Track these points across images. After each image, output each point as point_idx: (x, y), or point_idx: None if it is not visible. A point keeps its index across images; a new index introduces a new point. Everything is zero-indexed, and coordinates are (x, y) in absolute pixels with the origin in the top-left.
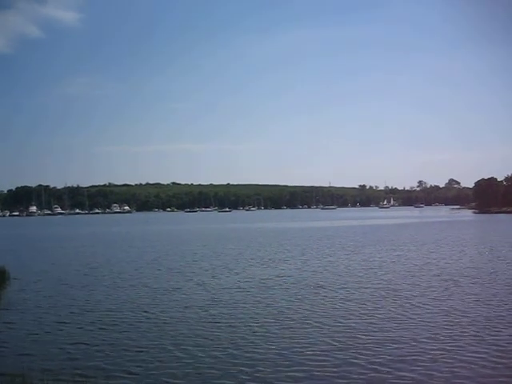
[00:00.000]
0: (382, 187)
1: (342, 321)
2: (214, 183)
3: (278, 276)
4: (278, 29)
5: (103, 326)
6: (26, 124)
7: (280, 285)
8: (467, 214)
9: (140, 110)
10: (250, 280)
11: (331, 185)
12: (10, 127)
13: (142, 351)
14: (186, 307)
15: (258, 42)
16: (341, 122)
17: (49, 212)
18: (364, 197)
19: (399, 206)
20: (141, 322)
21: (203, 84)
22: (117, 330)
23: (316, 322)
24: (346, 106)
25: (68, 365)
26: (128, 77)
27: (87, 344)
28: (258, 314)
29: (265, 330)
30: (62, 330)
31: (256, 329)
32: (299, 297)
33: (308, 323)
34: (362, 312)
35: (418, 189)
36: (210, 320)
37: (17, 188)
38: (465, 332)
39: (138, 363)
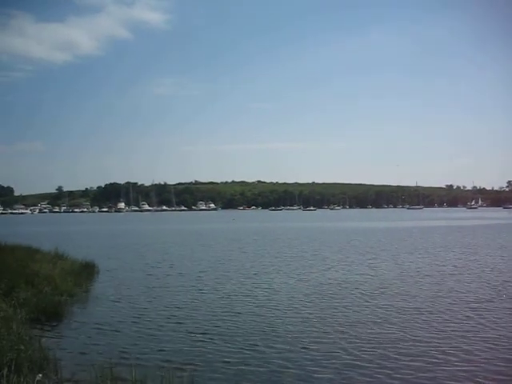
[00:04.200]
0: (469, 187)
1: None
2: (299, 182)
3: (343, 281)
4: (357, 28)
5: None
6: (115, 123)
7: (345, 290)
8: None
9: (226, 110)
10: (310, 284)
11: (418, 184)
12: (101, 126)
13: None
14: (238, 313)
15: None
16: (428, 122)
17: (136, 208)
18: (451, 197)
19: (487, 206)
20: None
21: (287, 84)
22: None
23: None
24: (435, 106)
25: (153, 357)
26: (213, 77)
27: (171, 337)
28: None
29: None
30: (144, 323)
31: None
32: (360, 306)
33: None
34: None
35: (507, 189)
36: (260, 329)
37: (106, 185)
38: None
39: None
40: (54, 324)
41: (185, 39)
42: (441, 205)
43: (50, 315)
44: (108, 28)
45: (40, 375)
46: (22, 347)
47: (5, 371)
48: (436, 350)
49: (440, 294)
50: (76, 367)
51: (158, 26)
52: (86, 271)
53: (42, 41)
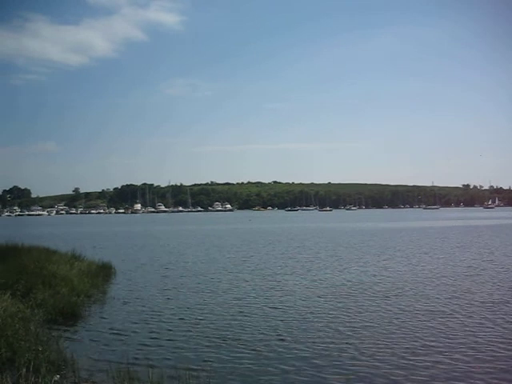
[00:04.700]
0: (486, 187)
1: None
2: (315, 182)
3: (357, 282)
4: (370, 31)
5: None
6: (125, 124)
7: (358, 293)
8: None
9: (240, 111)
10: (325, 285)
11: (434, 184)
12: (112, 127)
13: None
14: (251, 315)
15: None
16: (443, 121)
17: (153, 210)
18: (468, 197)
19: (504, 206)
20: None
21: (300, 84)
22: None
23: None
24: (451, 106)
25: (168, 359)
26: (226, 77)
27: (186, 339)
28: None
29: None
30: (159, 325)
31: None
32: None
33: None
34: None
35: None
36: (274, 332)
37: (122, 186)
38: None
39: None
40: (71, 325)
41: (198, 40)
42: (457, 205)
43: (67, 316)
44: (123, 30)
45: (58, 376)
46: (40, 348)
47: (23, 372)
48: (450, 354)
49: (455, 295)
50: (93, 368)
51: (173, 27)
52: (103, 272)
53: (56, 43)
